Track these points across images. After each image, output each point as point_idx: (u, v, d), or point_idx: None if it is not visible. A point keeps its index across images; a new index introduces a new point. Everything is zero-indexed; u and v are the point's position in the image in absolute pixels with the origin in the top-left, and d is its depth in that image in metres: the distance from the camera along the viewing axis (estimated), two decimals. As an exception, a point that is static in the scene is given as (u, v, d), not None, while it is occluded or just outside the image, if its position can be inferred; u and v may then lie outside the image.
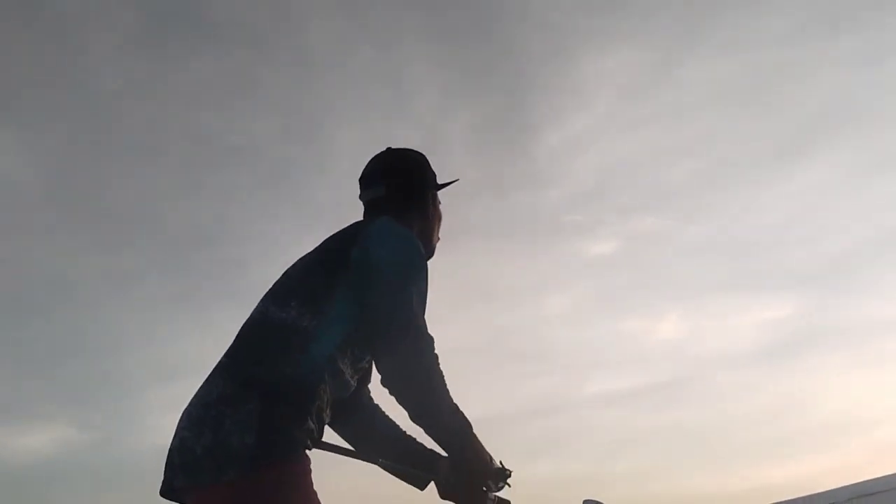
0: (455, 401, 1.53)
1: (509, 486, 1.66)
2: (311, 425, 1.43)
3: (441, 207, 1.86)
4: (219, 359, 1.53)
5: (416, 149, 1.86)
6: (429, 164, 1.84)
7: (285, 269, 1.64)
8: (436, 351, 1.51)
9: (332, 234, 1.64)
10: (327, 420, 1.52)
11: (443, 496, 1.65)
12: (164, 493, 1.42)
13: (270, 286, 1.61)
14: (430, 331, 1.51)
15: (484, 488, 1.60)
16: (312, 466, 1.45)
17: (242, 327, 1.56)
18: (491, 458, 1.60)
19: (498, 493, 1.66)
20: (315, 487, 1.44)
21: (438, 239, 1.84)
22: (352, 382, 1.57)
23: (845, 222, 8.71)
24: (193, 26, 6.72)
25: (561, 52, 7.82)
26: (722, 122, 8.32)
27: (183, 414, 1.45)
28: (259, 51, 6.95)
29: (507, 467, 1.64)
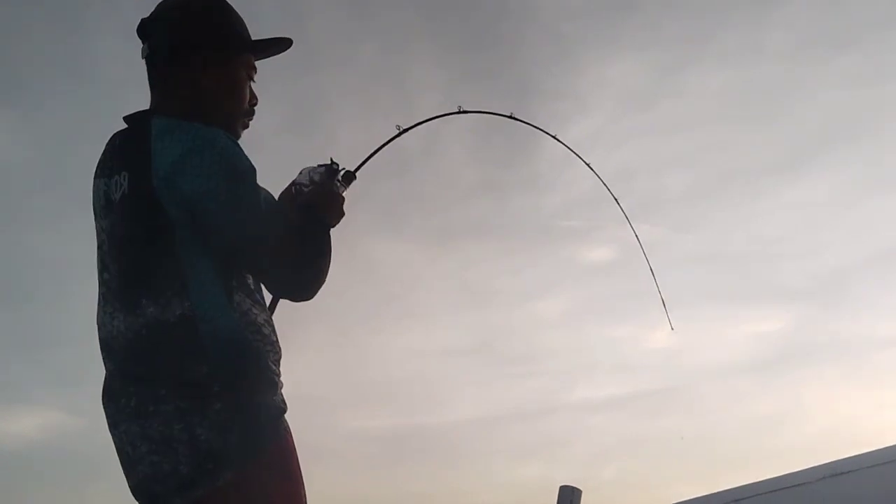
0: (286, 223, 1.38)
1: (337, 166, 1.56)
2: (280, 387, 1.39)
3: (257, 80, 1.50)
4: (109, 380, 1.38)
5: None
6: (233, 14, 1.46)
7: (98, 255, 1.41)
8: (277, 222, 1.36)
9: (102, 160, 1.41)
10: (280, 350, 1.43)
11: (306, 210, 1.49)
12: None
13: (100, 290, 1.39)
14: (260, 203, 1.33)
15: (325, 183, 1.51)
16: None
17: (113, 346, 1.36)
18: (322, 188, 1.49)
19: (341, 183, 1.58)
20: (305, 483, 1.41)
21: (249, 119, 1.50)
22: (263, 302, 1.43)
23: (842, 238, 8.74)
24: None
25: (564, 58, 7.85)
26: (721, 134, 8.35)
27: (133, 440, 1.31)
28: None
29: (334, 163, 1.54)
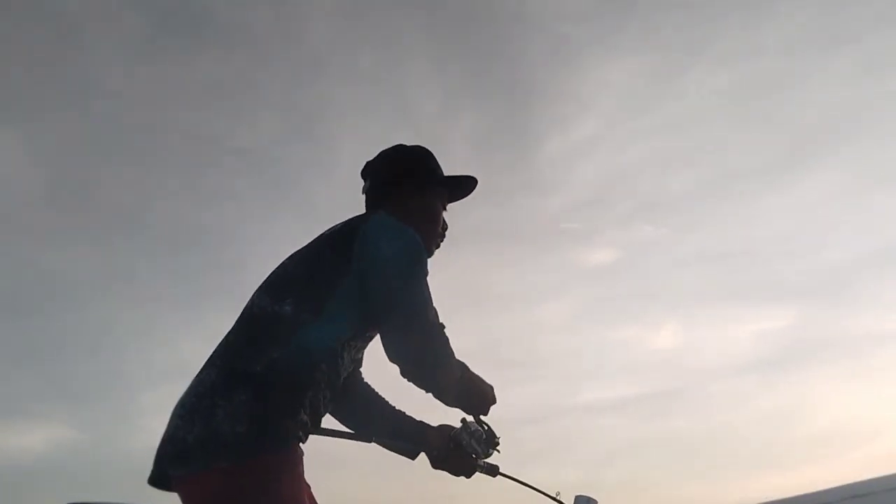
0: (456, 363, 1.58)
1: (498, 451, 1.72)
2: (304, 417, 1.46)
3: (449, 212, 1.85)
4: (214, 349, 1.54)
5: (426, 147, 1.87)
6: (432, 160, 1.83)
7: (281, 260, 1.66)
8: (447, 339, 1.55)
9: (330, 227, 1.66)
10: (325, 410, 1.55)
11: (434, 466, 1.72)
12: (153, 481, 1.44)
13: (266, 278, 1.63)
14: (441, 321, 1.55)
15: (473, 455, 1.67)
16: (306, 459, 1.48)
17: (238, 319, 1.57)
18: (490, 395, 1.67)
19: (487, 460, 1.71)
20: (308, 482, 1.49)
21: (440, 241, 1.82)
22: (345, 374, 1.62)
23: (843, 236, 8.77)
24: (196, 29, 6.76)
25: (565, 60, 7.87)
26: (722, 134, 8.38)
27: (177, 403, 1.47)
28: (261, 54, 6.99)
29: (496, 433, 1.71)
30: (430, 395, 1.58)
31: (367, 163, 1.82)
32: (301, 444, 1.48)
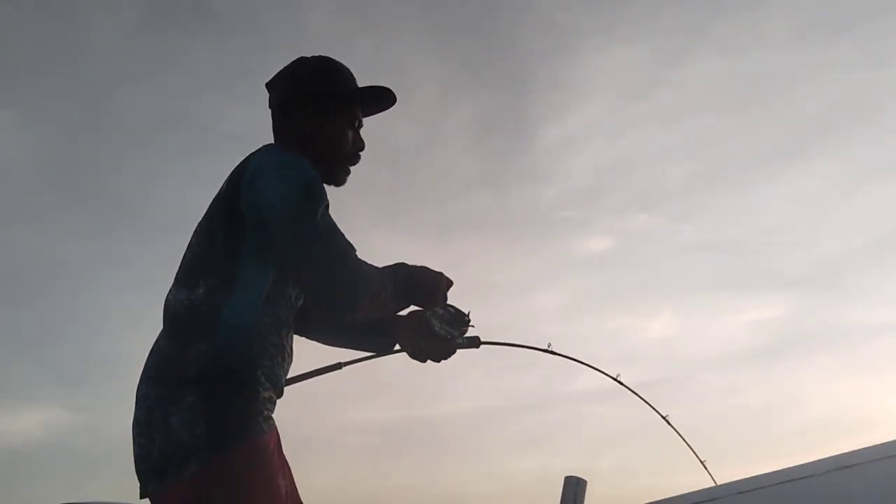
0: (372, 268, 1.49)
1: (472, 326, 1.67)
2: (265, 393, 1.42)
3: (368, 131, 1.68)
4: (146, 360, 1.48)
5: (330, 56, 1.69)
6: (333, 74, 1.66)
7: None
8: (359, 261, 1.44)
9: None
10: (285, 371, 1.50)
11: (414, 357, 1.66)
12: (143, 496, 1.41)
13: (177, 270, 1.53)
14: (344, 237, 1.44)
15: (448, 336, 1.61)
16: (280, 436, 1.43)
17: (163, 324, 1.49)
18: (439, 281, 1.61)
19: (466, 336, 1.66)
20: (287, 458, 1.43)
21: (352, 163, 1.66)
22: (289, 328, 1.52)
23: (839, 226, 8.78)
24: (194, 13, 6.71)
25: (561, 49, 7.85)
26: (719, 124, 8.37)
27: (133, 420, 1.42)
28: (259, 39, 6.96)
29: (462, 310, 1.65)
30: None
31: (267, 83, 1.68)
32: (272, 419, 1.43)
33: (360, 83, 1.67)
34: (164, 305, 1.49)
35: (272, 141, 1.65)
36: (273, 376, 1.45)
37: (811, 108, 8.25)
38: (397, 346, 1.73)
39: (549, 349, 1.77)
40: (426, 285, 1.60)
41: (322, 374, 1.68)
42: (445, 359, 1.66)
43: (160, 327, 1.49)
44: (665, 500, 1.99)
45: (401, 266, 1.58)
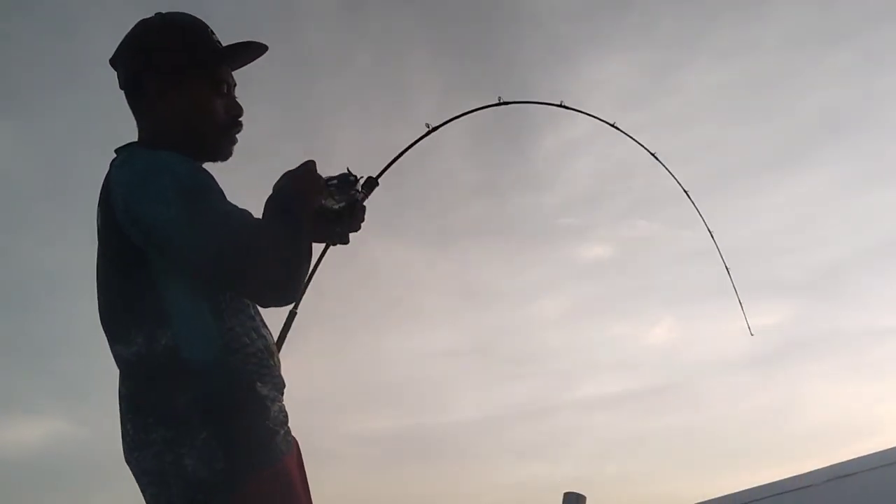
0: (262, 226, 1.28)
1: (360, 177, 1.56)
2: (272, 405, 1.34)
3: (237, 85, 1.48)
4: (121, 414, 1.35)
5: (175, 12, 1.44)
6: (178, 34, 1.41)
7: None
8: (250, 224, 1.27)
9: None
10: (274, 352, 1.41)
11: (342, 242, 1.57)
12: None
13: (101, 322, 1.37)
14: (233, 214, 1.26)
15: (349, 202, 1.52)
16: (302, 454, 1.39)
17: (122, 381, 1.35)
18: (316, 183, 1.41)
19: (363, 186, 1.58)
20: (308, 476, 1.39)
21: (234, 130, 1.46)
22: (263, 329, 1.40)
23: (838, 231, 8.78)
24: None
25: (558, 56, 7.86)
26: (718, 130, 8.38)
27: (136, 473, 1.32)
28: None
29: (342, 173, 1.53)
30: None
31: (110, 59, 1.45)
32: (290, 434, 1.37)
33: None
34: (118, 364, 1.34)
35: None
36: (270, 376, 1.35)
37: (810, 115, 8.26)
38: (328, 245, 1.62)
39: (562, 104, 1.76)
40: (295, 188, 1.37)
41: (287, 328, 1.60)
42: (362, 221, 1.55)
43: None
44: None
45: (268, 200, 1.35)
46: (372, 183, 1.64)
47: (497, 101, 1.59)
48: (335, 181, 1.51)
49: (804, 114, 8.18)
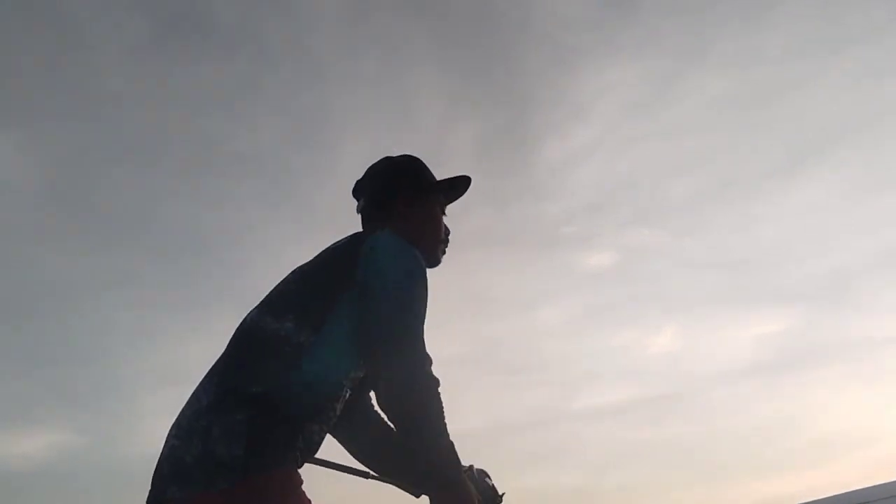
0: (449, 435, 1.44)
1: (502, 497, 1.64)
2: (300, 443, 1.43)
3: (448, 216, 1.80)
4: (211, 365, 1.50)
5: (414, 154, 1.81)
6: (422, 167, 1.79)
7: (283, 276, 1.60)
8: (432, 371, 1.45)
9: (333, 244, 1.62)
10: (320, 441, 1.51)
11: None
12: (151, 502, 1.38)
13: (266, 294, 1.57)
14: (427, 349, 1.46)
15: None
16: (304, 480, 1.42)
17: (234, 335, 1.53)
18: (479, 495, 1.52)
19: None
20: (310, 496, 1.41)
21: (445, 247, 1.78)
22: (344, 398, 1.54)
23: (842, 239, 8.77)
24: (199, 32, 6.77)
25: (564, 66, 7.90)
26: (721, 139, 8.40)
27: (174, 423, 1.43)
28: (264, 57, 7.01)
29: (498, 490, 1.63)
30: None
31: (358, 181, 1.79)
32: (299, 470, 1.44)
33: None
34: (244, 323, 1.52)
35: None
36: (309, 438, 1.46)
37: (813, 122, 8.27)
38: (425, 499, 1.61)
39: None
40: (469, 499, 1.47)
41: (348, 473, 1.60)
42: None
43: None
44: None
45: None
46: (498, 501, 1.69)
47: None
48: (492, 484, 1.65)
49: (808, 121, 8.19)
